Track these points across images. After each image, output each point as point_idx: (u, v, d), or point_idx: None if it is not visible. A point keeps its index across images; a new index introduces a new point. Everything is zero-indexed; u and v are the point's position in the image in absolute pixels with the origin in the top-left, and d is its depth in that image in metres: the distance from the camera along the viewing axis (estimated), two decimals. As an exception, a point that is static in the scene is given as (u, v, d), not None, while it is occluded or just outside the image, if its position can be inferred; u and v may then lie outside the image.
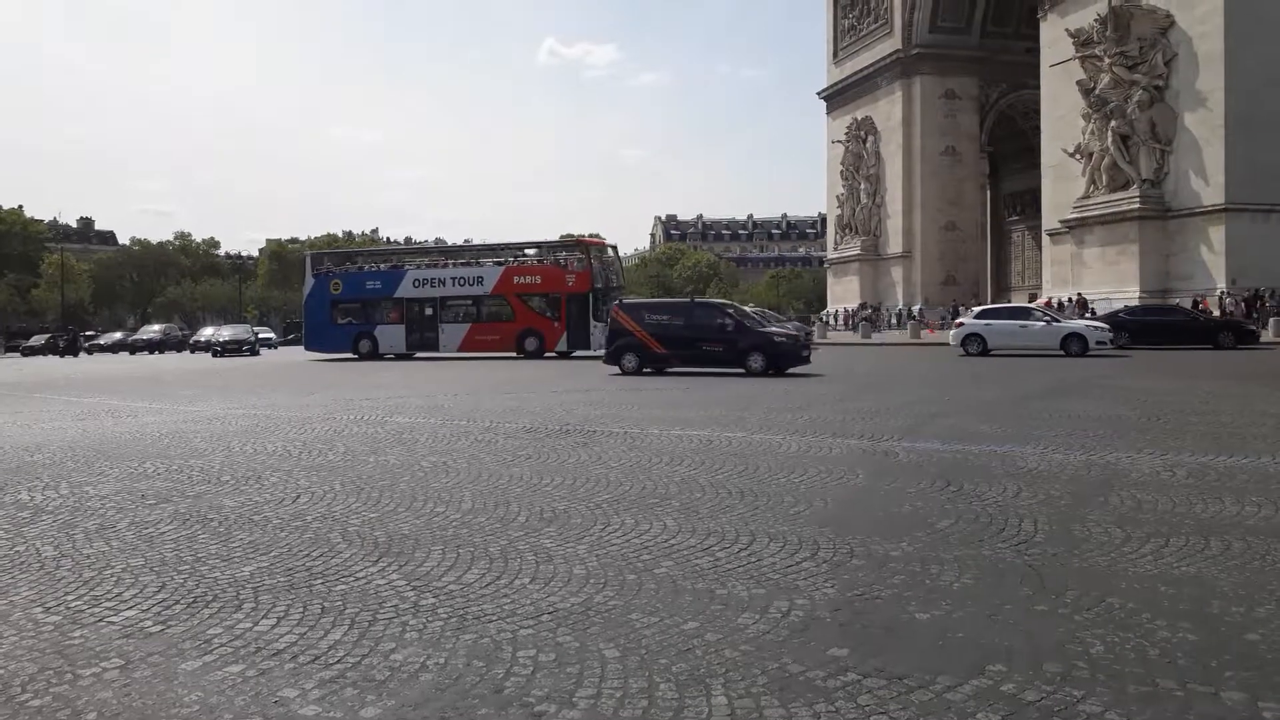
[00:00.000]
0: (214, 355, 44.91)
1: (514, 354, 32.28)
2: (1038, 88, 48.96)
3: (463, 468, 8.00)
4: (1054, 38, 45.63)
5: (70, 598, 4.38)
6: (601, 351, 30.42)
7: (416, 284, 34.72)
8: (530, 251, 36.61)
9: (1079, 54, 43.20)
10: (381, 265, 37.97)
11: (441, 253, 38.94)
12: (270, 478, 7.68)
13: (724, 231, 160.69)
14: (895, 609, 4.01)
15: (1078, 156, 43.65)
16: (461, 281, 34.27)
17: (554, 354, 32.23)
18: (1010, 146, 66.79)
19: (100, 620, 4.03)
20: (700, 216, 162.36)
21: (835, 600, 4.13)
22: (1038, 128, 50.15)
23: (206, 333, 53.50)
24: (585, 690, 3.19)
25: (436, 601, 4.22)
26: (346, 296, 35.83)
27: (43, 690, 3.27)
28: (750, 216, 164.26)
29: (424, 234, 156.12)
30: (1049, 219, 47.17)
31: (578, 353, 31.88)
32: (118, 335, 63.30)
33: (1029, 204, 62.06)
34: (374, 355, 34.63)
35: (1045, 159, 47.63)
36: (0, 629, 3.94)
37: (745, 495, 6.51)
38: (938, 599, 4.13)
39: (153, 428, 11.76)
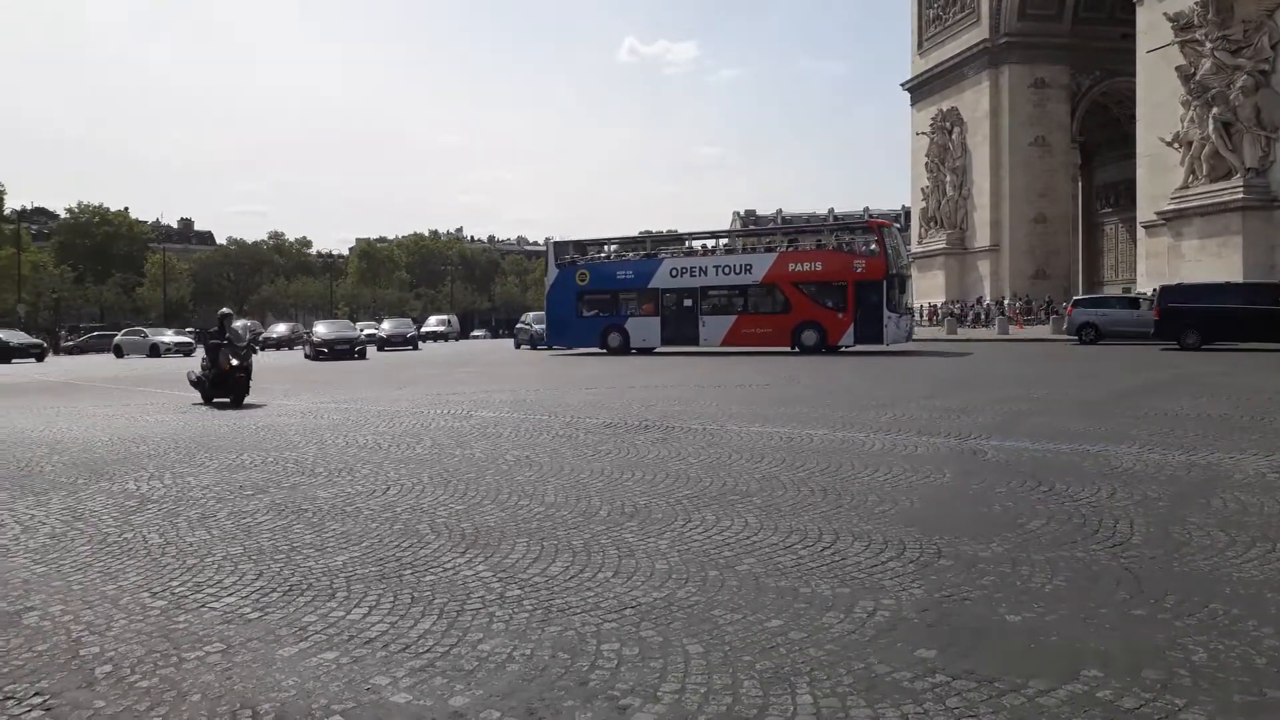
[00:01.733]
0: (378, 349, 43.48)
1: (788, 349, 29.54)
2: (1133, 75, 47.12)
3: (545, 461, 8.10)
4: (1151, 22, 43.89)
5: (174, 583, 4.58)
6: (895, 345, 29.01)
7: (674, 273, 32.20)
8: (807, 235, 33.55)
9: (1178, 39, 41.46)
10: (631, 254, 35.26)
11: (699, 239, 36.75)
12: (361, 470, 7.89)
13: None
14: (985, 611, 3.92)
15: (1176, 145, 41.92)
16: (726, 270, 31.43)
17: (837, 348, 29.18)
18: (1103, 136, 64.56)
19: (202, 606, 4.20)
20: (779, 211, 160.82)
21: (922, 601, 4.07)
22: (1132, 116, 48.31)
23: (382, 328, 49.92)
24: (669, 685, 3.20)
25: (522, 593, 4.29)
26: (594, 288, 33.52)
27: (150, 672, 3.42)
28: (831, 210, 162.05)
29: (505, 233, 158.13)
30: (1144, 211, 45.42)
31: (864, 346, 28.79)
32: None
33: (1123, 195, 59.92)
34: (624, 350, 32.43)
35: (1141, 148, 45.85)
36: (111, 612, 4.14)
37: (828, 493, 6.45)
38: (1029, 601, 4.03)
39: (249, 421, 12.19)
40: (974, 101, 62.30)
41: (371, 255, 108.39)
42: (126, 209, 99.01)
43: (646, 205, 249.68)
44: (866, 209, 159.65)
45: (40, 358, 41.51)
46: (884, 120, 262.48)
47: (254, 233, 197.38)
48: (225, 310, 15.59)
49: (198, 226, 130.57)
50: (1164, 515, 5.63)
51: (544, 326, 37.32)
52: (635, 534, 5.38)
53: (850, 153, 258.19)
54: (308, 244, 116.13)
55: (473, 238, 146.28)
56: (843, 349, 29.24)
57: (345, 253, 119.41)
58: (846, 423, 10.55)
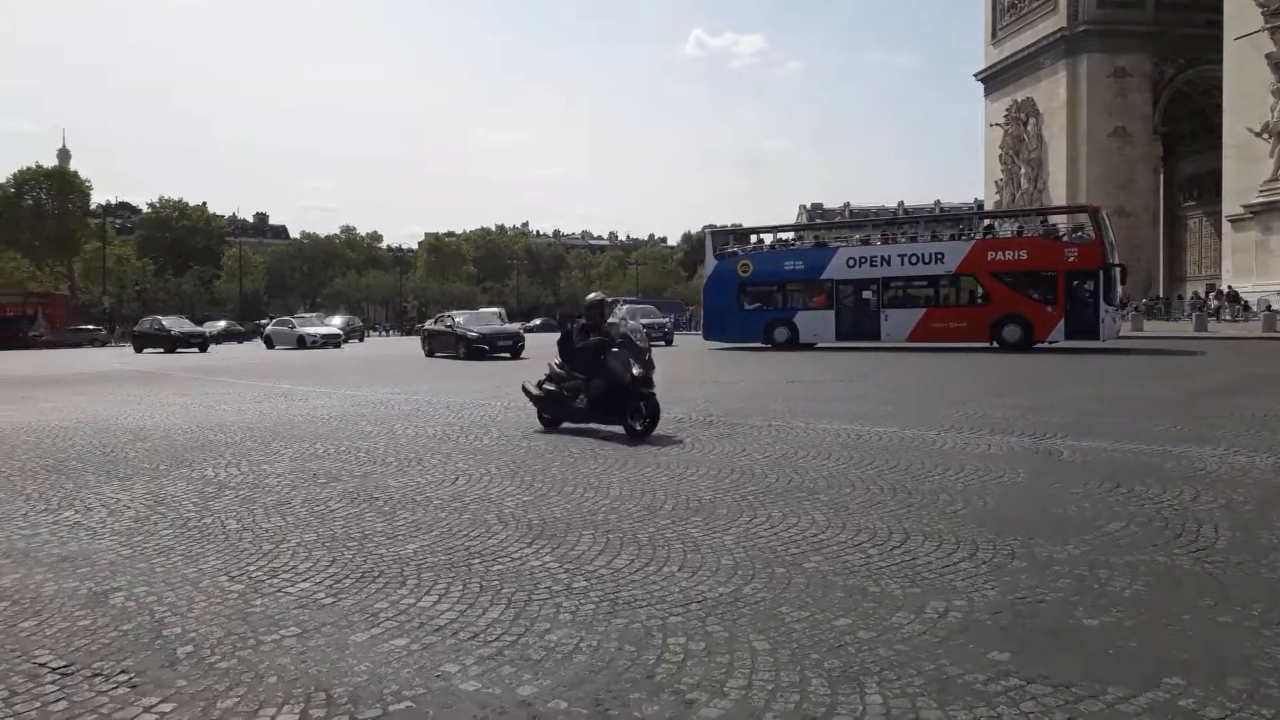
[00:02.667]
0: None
1: (987, 344, 26.95)
2: (1219, 63, 45.51)
3: (610, 454, 8.12)
4: (1239, 8, 42.29)
5: (251, 568, 4.70)
6: (1108, 343, 26.29)
7: (851, 263, 29.52)
8: (1007, 220, 30.78)
9: (1268, 25, 39.92)
10: (797, 242, 33.09)
11: (877, 226, 33.70)
12: (431, 460, 8.01)
13: (872, 220, 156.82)
14: (1061, 614, 3.82)
15: (1265, 135, 40.40)
16: (913, 259, 28.64)
17: (1041, 344, 26.70)
18: (1187, 126, 62.44)
19: (278, 590, 4.31)
20: (847, 204, 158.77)
21: (996, 603, 3.98)
22: (1218, 106, 46.67)
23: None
24: (736, 681, 3.19)
25: (588, 585, 4.31)
26: (758, 279, 31.19)
27: (229, 653, 3.52)
28: (901, 204, 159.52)
29: (569, 228, 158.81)
30: (1230, 204, 43.84)
31: (1077, 342, 26.39)
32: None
33: (1208, 188, 57.88)
34: (792, 345, 29.89)
35: (1227, 139, 44.26)
36: (191, 594, 4.27)
37: (898, 491, 6.35)
38: (1107, 605, 3.91)
39: (322, 410, 12.47)
40: (1050, 92, 60.78)
41: (440, 249, 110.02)
42: (204, 204, 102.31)
43: (712, 199, 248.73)
44: (938, 202, 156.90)
45: (203, 347, 39.79)
46: (956, 112, 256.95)
47: (326, 227, 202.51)
48: (599, 296, 10.35)
49: (272, 221, 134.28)
50: (1251, 520, 5.42)
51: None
52: (700, 529, 5.37)
53: (921, 145, 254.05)
54: (378, 238, 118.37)
55: (538, 232, 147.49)
56: (1048, 344, 26.79)
57: (414, 247, 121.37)
58: (917, 420, 10.38)
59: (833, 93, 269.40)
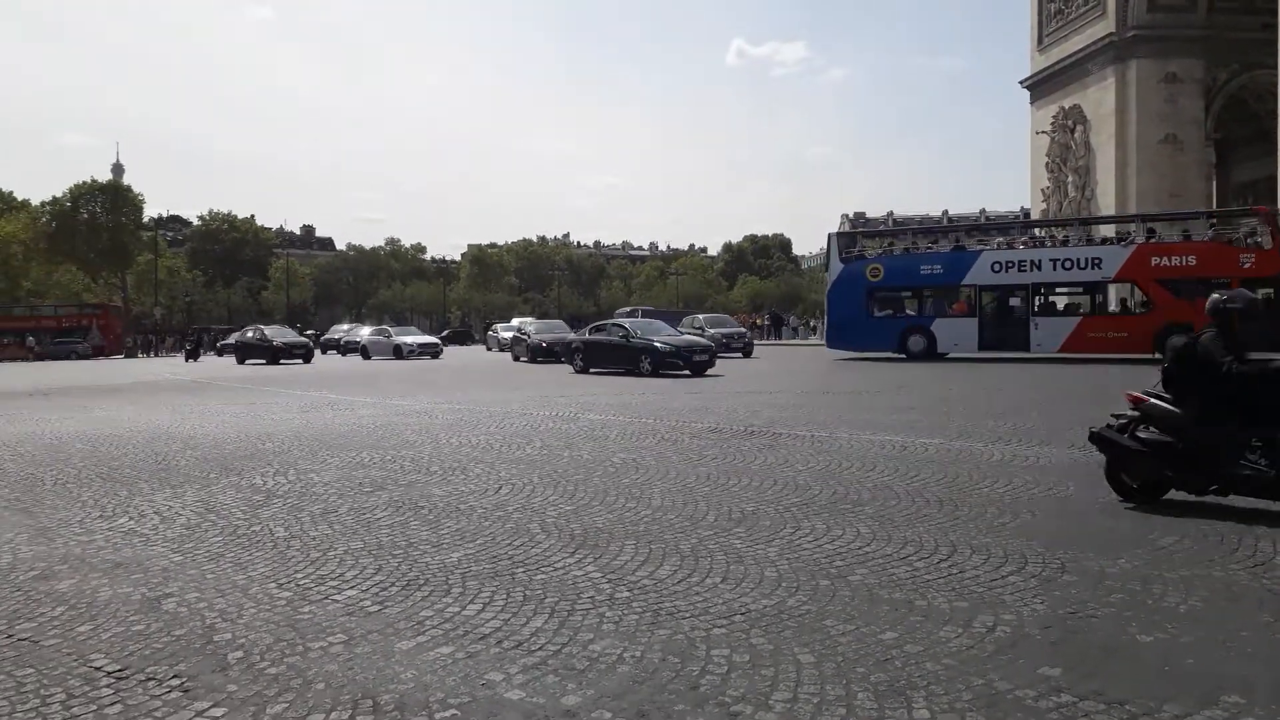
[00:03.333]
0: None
1: (1149, 355, 23.78)
2: (1274, 67, 44.48)
3: (651, 465, 8.12)
4: (1295, 10, 41.36)
5: (299, 575, 4.77)
6: None
7: (996, 268, 27.22)
8: (1169, 224, 28.15)
9: (1326, 27, 38.96)
10: (931, 245, 30.28)
11: (1023, 229, 30.70)
12: (474, 469, 8.07)
13: (916, 229, 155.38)
14: (1113, 629, 3.75)
15: (1322, 141, 39.35)
16: (1067, 264, 26.49)
17: None
18: (1241, 132, 61.01)
19: (325, 598, 4.36)
20: (891, 213, 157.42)
21: (1046, 617, 3.91)
22: (1273, 111, 45.57)
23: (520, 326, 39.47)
24: (781, 694, 3.16)
25: (631, 595, 4.30)
26: (890, 284, 28.92)
27: (278, 659, 3.56)
28: (945, 212, 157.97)
29: (610, 238, 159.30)
30: (1288, 210, 42.79)
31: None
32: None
33: (1263, 195, 56.37)
34: (929, 355, 27.49)
35: (1283, 144, 43.24)
36: (241, 601, 4.33)
37: (944, 504, 6.27)
38: (1162, 621, 3.83)
39: (368, 420, 12.62)
40: (1098, 98, 59.80)
41: (483, 261, 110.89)
42: (253, 216, 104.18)
43: (753, 209, 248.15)
44: (983, 210, 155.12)
45: (307, 358, 37.05)
46: (1000, 119, 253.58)
47: (372, 239, 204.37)
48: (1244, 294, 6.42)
49: (319, 233, 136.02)
50: (1311, 535, 5.27)
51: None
52: (743, 540, 5.34)
53: (965, 153, 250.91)
54: (422, 250, 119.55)
55: (579, 243, 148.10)
56: None
57: (458, 258, 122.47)
58: (963, 432, 10.24)
59: (876, 100, 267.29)
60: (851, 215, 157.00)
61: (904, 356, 27.66)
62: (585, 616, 4.01)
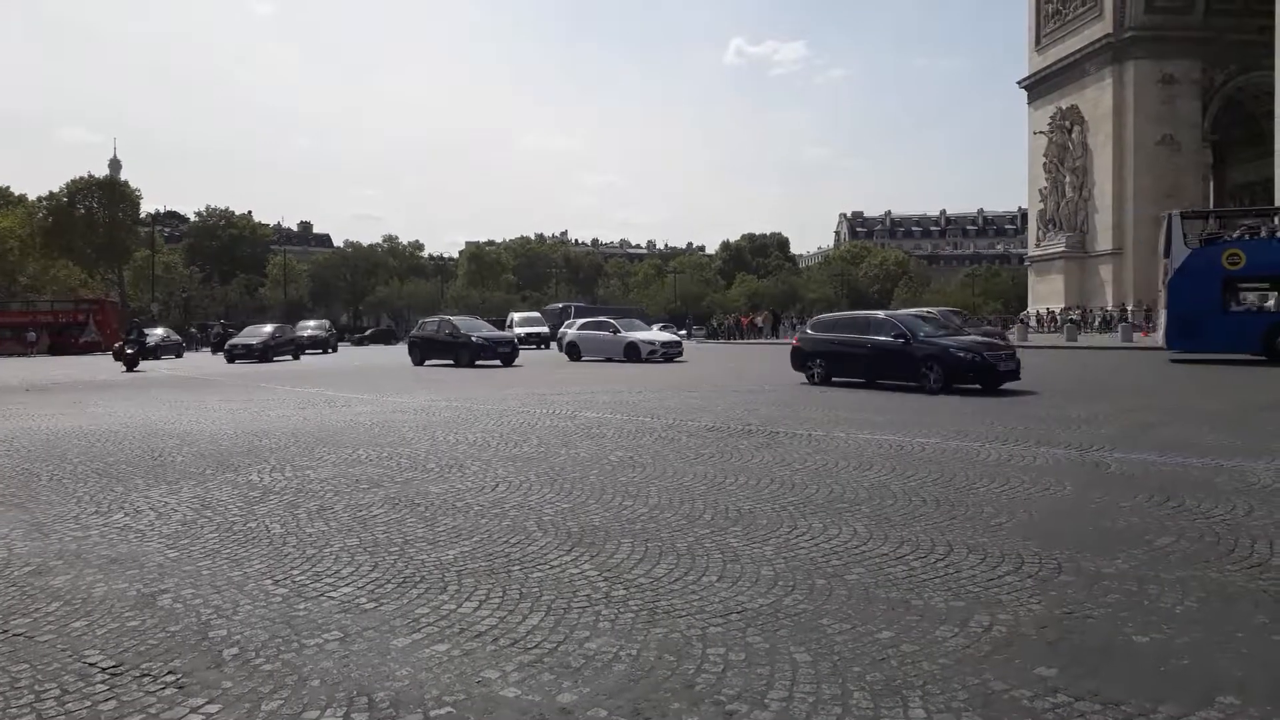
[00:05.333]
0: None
1: None
2: (1271, 69, 44.52)
3: (648, 463, 8.12)
4: (1293, 12, 41.40)
5: (295, 572, 4.76)
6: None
7: None
8: None
9: (1323, 29, 39.02)
10: None
11: None
12: (471, 466, 8.06)
13: (914, 228, 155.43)
14: (1109, 630, 3.75)
15: (1320, 142, 39.43)
16: None
17: None
18: (1238, 133, 61.12)
19: (321, 595, 4.36)
20: (888, 212, 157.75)
21: (1042, 617, 3.91)
22: (1270, 113, 45.60)
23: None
24: (777, 693, 3.16)
25: (627, 593, 4.30)
26: (1256, 273, 23.83)
27: (273, 656, 3.56)
28: (943, 212, 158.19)
29: (609, 236, 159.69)
30: (1284, 212, 42.82)
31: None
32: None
33: (1260, 196, 56.49)
34: None
35: (1280, 146, 43.30)
36: (237, 597, 4.33)
37: (941, 504, 6.27)
38: (1158, 622, 3.83)
39: (365, 417, 12.61)
40: (1095, 99, 59.86)
41: (480, 258, 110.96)
42: (250, 212, 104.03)
43: (752, 208, 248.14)
44: (980, 210, 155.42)
45: (509, 360, 28.34)
46: (999, 119, 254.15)
47: (369, 236, 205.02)
48: None
49: (316, 229, 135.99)
50: (1307, 536, 5.28)
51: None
52: (740, 539, 5.34)
53: (963, 153, 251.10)
54: (420, 247, 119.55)
55: (577, 241, 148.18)
56: None
57: (455, 255, 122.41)
58: (959, 432, 10.25)
59: (874, 100, 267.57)
60: (850, 214, 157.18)
61: (1265, 359, 22.65)
62: (581, 614, 4.00)
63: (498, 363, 27.75)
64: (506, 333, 34.70)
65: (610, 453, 8.82)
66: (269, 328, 39.28)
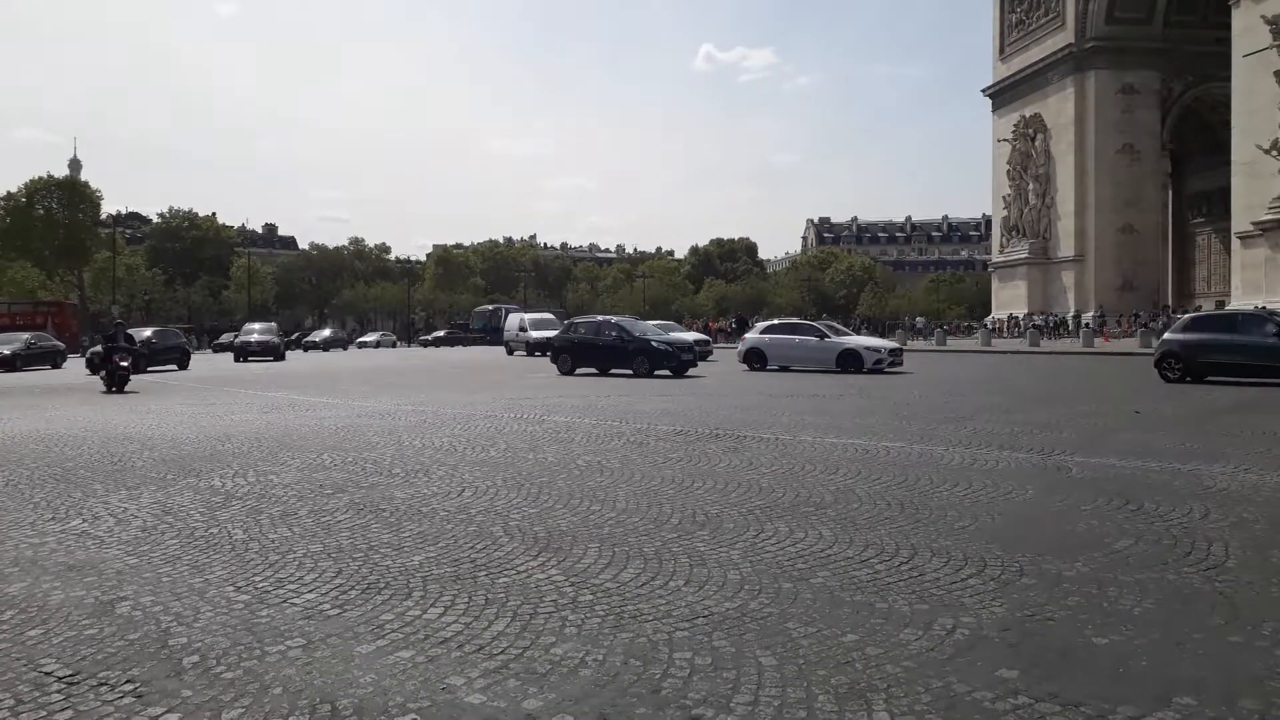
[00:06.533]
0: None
1: None
2: (1228, 80, 45.40)
3: (616, 467, 8.11)
4: (1248, 26, 42.25)
5: (257, 578, 4.70)
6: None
7: None
8: None
9: (1277, 42, 39.86)
10: None
11: None
12: (437, 471, 8.01)
13: (880, 234, 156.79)
14: (1070, 632, 3.80)
15: (1274, 153, 40.26)
16: None
17: None
18: (1196, 143, 62.33)
19: (284, 601, 4.30)
20: (855, 219, 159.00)
21: (1004, 620, 3.95)
22: (1227, 123, 46.51)
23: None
24: (742, 696, 3.17)
25: (594, 598, 4.29)
26: None
27: (234, 664, 3.51)
28: (909, 218, 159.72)
29: (577, 240, 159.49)
30: (1240, 220, 43.65)
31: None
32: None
33: (1216, 205, 57.74)
34: None
35: (1236, 156, 44.12)
36: (198, 604, 4.26)
37: (905, 507, 6.32)
38: (1117, 624, 3.89)
39: (330, 421, 12.48)
40: (1058, 108, 60.77)
41: (448, 261, 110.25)
42: (214, 214, 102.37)
43: (720, 213, 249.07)
44: (945, 217, 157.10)
45: (680, 369, 23.61)
46: (964, 127, 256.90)
47: (335, 238, 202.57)
48: None
49: (281, 232, 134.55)
50: (1261, 538, 5.39)
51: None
52: (707, 543, 5.35)
53: (928, 160, 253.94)
54: (387, 250, 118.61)
55: (545, 244, 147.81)
56: None
57: (423, 259, 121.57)
58: (924, 436, 10.35)
59: (842, 107, 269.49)
60: (817, 220, 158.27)
61: None
62: (548, 620, 3.99)
63: (668, 373, 23.37)
64: (685, 334, 30.50)
65: (578, 457, 8.80)
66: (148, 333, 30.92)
